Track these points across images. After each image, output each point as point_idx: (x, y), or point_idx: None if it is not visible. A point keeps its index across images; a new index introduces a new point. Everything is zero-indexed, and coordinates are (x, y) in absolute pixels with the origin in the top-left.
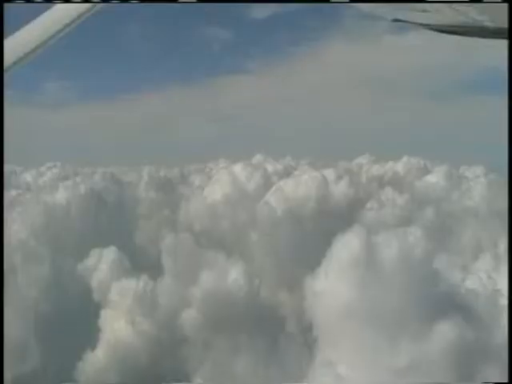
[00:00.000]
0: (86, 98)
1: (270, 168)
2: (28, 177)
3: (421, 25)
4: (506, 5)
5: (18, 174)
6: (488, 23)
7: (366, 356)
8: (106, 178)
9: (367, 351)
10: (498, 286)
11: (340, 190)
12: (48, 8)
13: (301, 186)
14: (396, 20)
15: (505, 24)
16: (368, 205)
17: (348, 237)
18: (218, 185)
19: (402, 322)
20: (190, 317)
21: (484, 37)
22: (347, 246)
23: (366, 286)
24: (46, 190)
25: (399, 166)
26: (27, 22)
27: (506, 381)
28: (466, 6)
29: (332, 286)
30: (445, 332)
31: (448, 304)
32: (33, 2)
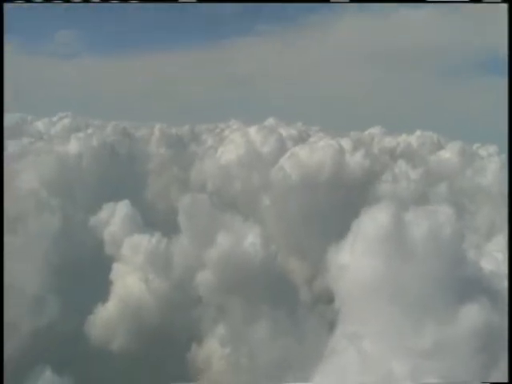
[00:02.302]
0: (99, 50)
1: (283, 132)
2: (40, 125)
3: None
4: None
5: (30, 123)
6: None
7: (390, 333)
8: (118, 131)
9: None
10: None
11: (355, 160)
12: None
13: (316, 152)
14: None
15: None
16: (383, 177)
17: (375, 211)
18: (231, 146)
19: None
20: (204, 278)
21: None
22: (375, 220)
23: (393, 262)
24: (58, 139)
25: (412, 139)
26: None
27: (506, 381)
28: None
29: (355, 259)
30: (471, 314)
31: (473, 285)
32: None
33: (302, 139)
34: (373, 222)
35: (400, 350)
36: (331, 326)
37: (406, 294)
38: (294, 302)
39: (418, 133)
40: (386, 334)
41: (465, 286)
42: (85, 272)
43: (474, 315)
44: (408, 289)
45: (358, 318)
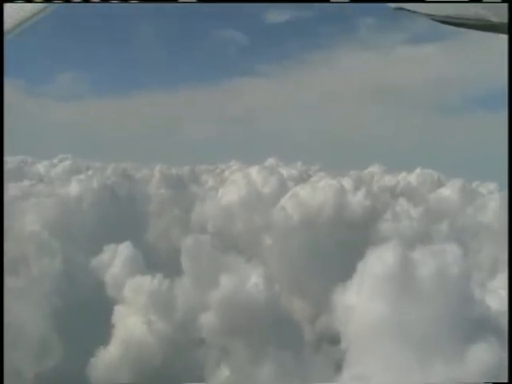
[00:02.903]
0: (98, 92)
1: (284, 172)
2: (40, 168)
3: (424, 14)
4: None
5: (30, 165)
6: (491, 17)
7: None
8: (118, 173)
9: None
10: None
11: (356, 199)
12: (48, 8)
13: (318, 192)
14: (399, 8)
15: (505, 19)
16: (384, 216)
17: (382, 250)
18: (232, 186)
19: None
20: (207, 320)
21: (486, 30)
22: (381, 260)
23: (401, 303)
24: (58, 182)
25: (412, 178)
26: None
27: (506, 381)
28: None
29: (362, 300)
30: (479, 353)
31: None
32: (33, 2)
33: (302, 179)
34: (380, 262)
35: None
36: (337, 366)
37: (414, 335)
38: (298, 343)
39: (418, 170)
40: (394, 376)
41: (473, 325)
42: (86, 315)
43: (481, 354)
44: (416, 329)
45: (366, 359)
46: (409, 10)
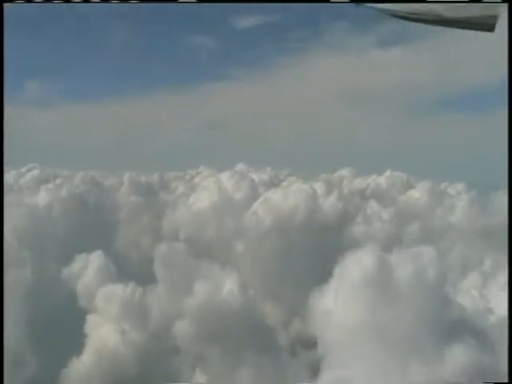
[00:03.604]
0: (67, 99)
1: (255, 178)
2: (9, 177)
3: (385, 11)
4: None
5: None
6: (444, 13)
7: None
8: (86, 181)
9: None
10: (490, 304)
11: (328, 203)
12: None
13: (289, 197)
14: (357, 1)
15: (462, 15)
16: (356, 219)
17: (357, 253)
18: (203, 193)
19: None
20: (182, 327)
21: (442, 25)
22: (356, 263)
23: (377, 306)
24: (27, 191)
25: (382, 180)
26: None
27: (506, 381)
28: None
29: (340, 304)
30: (457, 354)
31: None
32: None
33: (273, 184)
34: (355, 265)
35: None
36: (313, 370)
37: (392, 337)
38: (273, 348)
39: (388, 173)
40: (373, 378)
41: (450, 326)
42: (58, 324)
43: (459, 355)
44: (393, 331)
45: (343, 362)
46: (370, 7)
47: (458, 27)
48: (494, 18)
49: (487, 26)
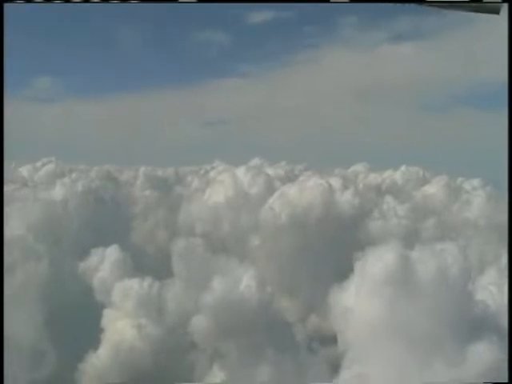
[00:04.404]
0: (78, 94)
1: (270, 172)
2: (24, 172)
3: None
4: None
5: (13, 169)
6: None
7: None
8: (102, 175)
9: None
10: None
11: (344, 198)
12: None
13: (305, 192)
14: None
15: None
16: (372, 215)
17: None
18: (219, 187)
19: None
20: (199, 322)
21: (450, 9)
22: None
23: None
24: (42, 186)
25: (397, 175)
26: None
27: (506, 381)
28: None
29: (361, 301)
30: (479, 351)
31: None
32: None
33: (288, 179)
34: (378, 262)
35: None
36: (332, 366)
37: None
38: (291, 344)
39: (403, 168)
40: (393, 376)
41: (472, 323)
42: (75, 319)
43: (482, 353)
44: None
45: (363, 359)
46: None
47: (465, 10)
48: (499, 2)
49: (493, 8)
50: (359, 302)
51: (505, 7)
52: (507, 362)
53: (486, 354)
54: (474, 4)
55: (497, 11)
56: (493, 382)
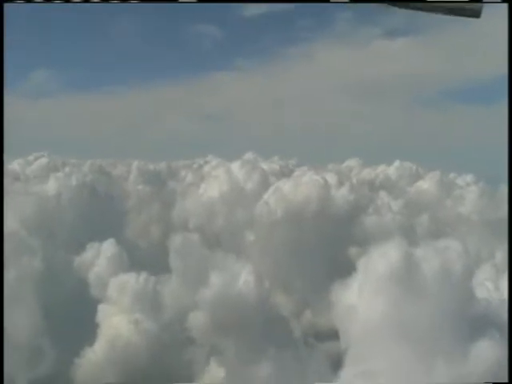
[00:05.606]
0: (72, 89)
1: (265, 167)
2: (15, 166)
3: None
4: None
5: (5, 163)
6: None
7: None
8: (94, 169)
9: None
10: (504, 296)
11: (340, 193)
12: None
13: (300, 187)
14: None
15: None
16: (366, 210)
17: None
18: (214, 182)
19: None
20: (197, 318)
21: (428, 11)
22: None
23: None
24: (35, 180)
25: (391, 170)
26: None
27: (506, 381)
28: None
29: (364, 298)
30: (481, 348)
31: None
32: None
33: (283, 174)
34: (380, 258)
35: None
36: (333, 362)
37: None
38: (290, 340)
39: (397, 163)
40: (394, 372)
41: (473, 320)
42: (70, 314)
43: (484, 349)
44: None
45: (366, 357)
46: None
47: (444, 13)
48: (480, 3)
49: (473, 11)
50: (362, 299)
51: (505, 7)
52: (507, 362)
53: (487, 349)
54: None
55: (477, 14)
56: (493, 382)
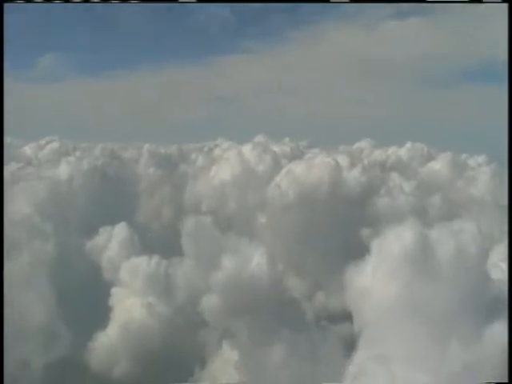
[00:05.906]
0: (82, 73)
1: (277, 150)
2: (28, 150)
3: None
4: None
5: (17, 148)
6: None
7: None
8: (106, 153)
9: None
10: None
11: (352, 175)
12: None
13: (312, 169)
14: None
15: None
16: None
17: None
18: (225, 165)
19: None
20: (210, 301)
21: None
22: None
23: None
24: (47, 164)
25: (402, 152)
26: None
27: (506, 381)
28: None
29: (379, 280)
30: (496, 330)
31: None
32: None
33: (294, 156)
34: (398, 241)
35: (428, 372)
36: (346, 345)
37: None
38: (302, 322)
39: (408, 145)
40: (411, 357)
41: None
42: (83, 298)
43: (499, 331)
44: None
45: (376, 338)
46: None
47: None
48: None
49: None
50: (375, 281)
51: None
52: (507, 362)
53: (504, 333)
54: None
55: None
56: (493, 382)
